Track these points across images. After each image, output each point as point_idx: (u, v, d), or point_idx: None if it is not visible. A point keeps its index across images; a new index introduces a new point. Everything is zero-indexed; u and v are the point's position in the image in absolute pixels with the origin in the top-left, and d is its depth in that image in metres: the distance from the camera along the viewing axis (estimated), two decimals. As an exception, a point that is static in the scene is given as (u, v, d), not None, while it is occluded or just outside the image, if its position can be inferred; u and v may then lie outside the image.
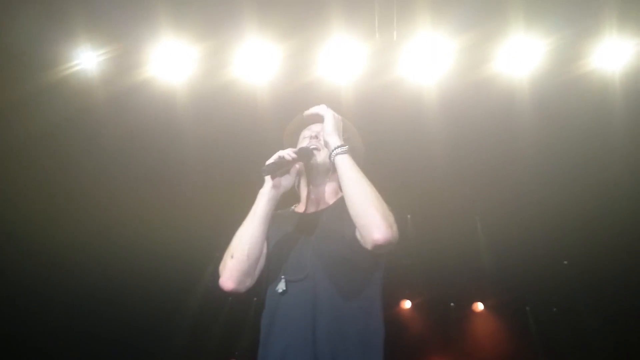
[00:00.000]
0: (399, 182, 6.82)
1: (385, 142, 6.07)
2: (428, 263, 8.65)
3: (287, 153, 2.39)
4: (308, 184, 2.59)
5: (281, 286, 2.30)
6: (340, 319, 2.20)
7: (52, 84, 5.47)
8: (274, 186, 2.40)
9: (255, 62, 5.28)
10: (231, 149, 6.49)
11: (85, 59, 5.31)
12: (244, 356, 9.68)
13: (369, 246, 2.18)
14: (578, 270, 8.86)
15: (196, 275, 8.72)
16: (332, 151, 2.38)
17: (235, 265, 2.33)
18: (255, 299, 9.52)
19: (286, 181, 2.45)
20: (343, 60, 5.20)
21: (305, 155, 2.49)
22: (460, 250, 8.47)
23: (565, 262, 9.00)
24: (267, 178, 2.41)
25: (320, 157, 2.52)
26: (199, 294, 8.89)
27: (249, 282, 2.37)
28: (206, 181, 6.99)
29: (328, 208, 2.52)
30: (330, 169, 2.49)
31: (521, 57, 5.17)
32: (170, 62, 5.28)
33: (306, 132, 2.63)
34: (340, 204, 2.40)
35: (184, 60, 5.28)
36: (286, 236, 2.47)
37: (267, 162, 2.36)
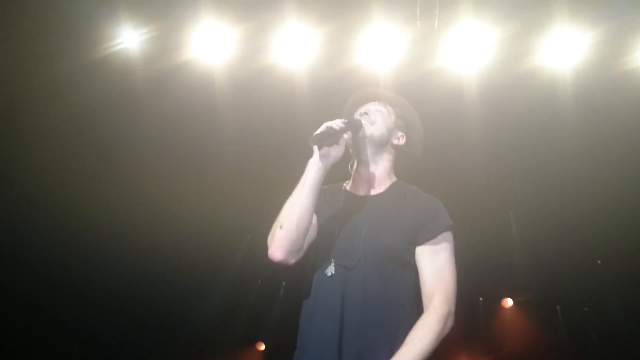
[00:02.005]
0: (433, 173, 6.76)
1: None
2: (458, 256, 8.57)
3: (335, 123, 2.36)
4: (358, 162, 2.55)
5: (330, 269, 2.29)
6: (382, 313, 2.21)
7: (94, 62, 5.55)
8: (323, 156, 2.35)
9: (295, 46, 5.27)
10: (268, 134, 6.51)
11: (128, 38, 5.37)
12: (271, 339, 9.76)
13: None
14: (611, 271, 8.70)
15: (227, 258, 8.79)
16: None
17: (284, 235, 2.29)
18: (284, 282, 9.59)
19: (335, 151, 2.38)
20: (383, 47, 5.16)
21: (354, 126, 2.45)
22: (491, 245, 8.38)
23: (599, 262, 8.84)
24: (315, 148, 2.37)
25: (369, 130, 2.49)
26: (228, 277, 8.97)
27: (298, 254, 2.34)
28: (242, 165, 7.03)
29: (382, 194, 2.49)
30: (381, 145, 2.53)
31: (565, 49, 5.06)
32: (210, 44, 5.31)
33: (361, 109, 2.60)
34: (395, 192, 2.47)
35: (224, 42, 5.31)
36: (336, 215, 2.43)
37: (315, 133, 2.34)
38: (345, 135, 2.39)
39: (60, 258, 7.35)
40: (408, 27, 5.05)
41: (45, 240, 7.18)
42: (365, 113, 2.55)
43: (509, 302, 10.18)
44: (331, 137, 2.36)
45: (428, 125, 6.17)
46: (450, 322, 2.22)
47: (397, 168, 2.62)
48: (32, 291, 7.41)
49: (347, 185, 2.58)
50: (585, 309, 9.70)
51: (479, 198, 7.43)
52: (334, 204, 2.48)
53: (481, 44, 5.09)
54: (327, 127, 2.34)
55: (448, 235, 2.37)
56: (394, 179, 2.58)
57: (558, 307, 9.95)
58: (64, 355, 7.88)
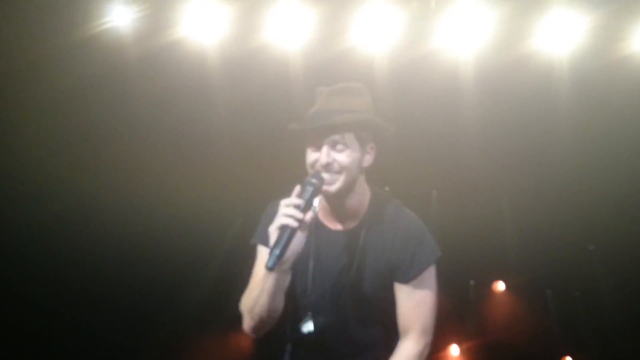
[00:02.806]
0: (427, 156, 6.74)
1: (416, 115, 5.97)
2: (450, 240, 8.55)
3: (291, 217, 1.92)
4: (325, 198, 2.18)
5: (308, 327, 2.17)
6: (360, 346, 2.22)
7: (84, 40, 5.45)
8: (284, 262, 1.97)
9: (289, 26, 5.19)
10: (261, 114, 6.43)
11: (119, 16, 5.27)
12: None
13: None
14: (603, 256, 8.73)
15: (217, 241, 8.74)
16: None
17: (256, 325, 2.13)
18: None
19: (297, 245, 1.97)
20: (377, 26, 5.08)
21: (314, 196, 2.03)
22: (484, 228, 8.38)
23: (591, 248, 8.86)
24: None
25: (336, 186, 2.08)
26: (218, 261, 8.93)
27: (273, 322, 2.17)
28: (234, 147, 6.96)
29: (356, 229, 2.18)
30: (353, 184, 2.14)
31: (563, 33, 5.00)
32: (203, 22, 5.22)
33: (318, 159, 2.08)
34: (370, 224, 2.17)
35: (217, 20, 5.22)
36: (308, 254, 2.14)
37: (271, 247, 1.93)
38: (307, 217, 1.97)
39: (45, 242, 7.28)
40: (404, 7, 4.97)
41: (30, 223, 7.11)
42: (326, 164, 2.07)
43: (500, 286, 10.20)
44: (289, 237, 1.94)
45: (423, 108, 6.13)
46: (427, 352, 2.15)
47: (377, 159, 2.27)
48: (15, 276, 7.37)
49: (317, 210, 2.15)
50: (576, 293, 9.75)
51: (473, 182, 7.41)
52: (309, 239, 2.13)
53: (478, 26, 5.02)
54: (282, 228, 1.93)
55: (429, 270, 2.16)
56: (368, 195, 2.24)
57: (549, 291, 9.98)
58: (49, 340, 7.86)
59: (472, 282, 10.19)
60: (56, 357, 7.76)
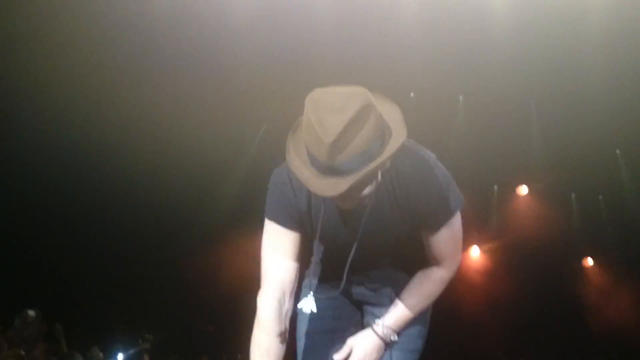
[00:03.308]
0: (455, 61, 6.61)
1: (444, 20, 5.80)
2: (476, 144, 8.54)
3: None
4: None
5: (309, 305, 2.13)
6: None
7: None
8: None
9: None
10: (283, 22, 6.30)
11: None
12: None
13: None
14: (629, 160, 8.67)
15: (244, 147, 8.82)
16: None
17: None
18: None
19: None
20: None
21: None
22: (510, 133, 8.32)
23: (618, 152, 8.78)
24: None
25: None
26: (244, 167, 9.05)
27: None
28: (258, 55, 6.87)
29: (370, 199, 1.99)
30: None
31: None
32: None
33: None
34: (385, 191, 1.99)
35: None
36: (322, 226, 2.05)
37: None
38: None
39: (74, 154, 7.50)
40: None
41: (54, 134, 7.30)
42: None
43: (524, 190, 10.20)
44: None
45: (451, 13, 5.95)
46: (449, 276, 2.20)
47: None
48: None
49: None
50: (600, 197, 9.75)
51: (500, 87, 7.30)
52: (316, 206, 2.05)
53: None
54: None
55: (455, 216, 2.08)
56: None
57: (573, 194, 9.98)
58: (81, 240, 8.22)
59: (495, 187, 10.23)
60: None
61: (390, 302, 2.22)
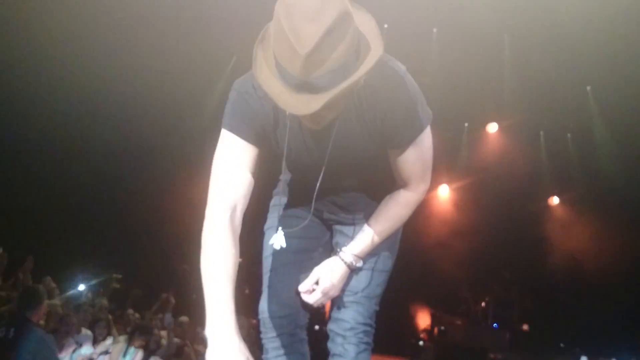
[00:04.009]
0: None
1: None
2: (448, 80, 8.45)
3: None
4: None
5: (279, 241, 2.07)
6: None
7: None
8: None
9: None
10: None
11: None
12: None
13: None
14: (599, 98, 8.68)
15: (213, 79, 8.67)
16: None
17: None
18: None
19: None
20: None
21: None
22: (482, 69, 8.24)
23: (588, 89, 8.77)
24: None
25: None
26: (216, 99, 8.92)
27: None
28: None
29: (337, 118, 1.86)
30: None
31: None
32: None
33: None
34: (353, 108, 1.86)
35: None
36: (289, 146, 1.93)
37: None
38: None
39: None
40: None
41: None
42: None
43: (493, 127, 10.21)
44: None
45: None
46: (424, 197, 2.11)
47: None
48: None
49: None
50: (569, 135, 9.81)
51: (474, 21, 7.16)
52: (281, 120, 1.91)
53: None
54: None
55: (425, 131, 1.94)
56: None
57: (541, 132, 10.03)
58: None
59: (466, 124, 10.21)
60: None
61: (360, 221, 2.15)
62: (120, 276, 8.70)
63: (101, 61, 7.53)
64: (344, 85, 1.59)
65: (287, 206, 2.23)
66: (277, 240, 2.07)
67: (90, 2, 6.99)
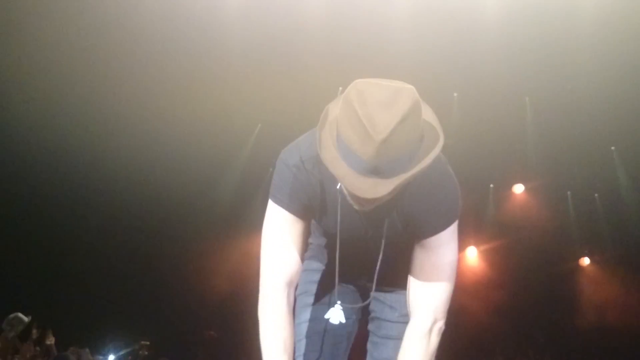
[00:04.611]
0: (450, 58, 6.57)
1: (440, 16, 5.76)
2: (471, 143, 8.50)
3: None
4: None
5: (337, 316, 2.03)
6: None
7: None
8: None
9: None
10: (275, 20, 6.26)
11: None
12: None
13: None
14: (625, 158, 8.65)
15: (238, 147, 8.78)
16: None
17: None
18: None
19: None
20: None
21: None
22: (505, 131, 8.29)
23: (613, 148, 8.76)
24: None
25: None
26: (239, 166, 9.00)
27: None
28: (250, 53, 6.82)
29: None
30: None
31: None
32: None
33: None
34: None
35: None
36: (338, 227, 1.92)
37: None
38: None
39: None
40: None
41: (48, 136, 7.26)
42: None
43: (519, 189, 10.15)
44: None
45: (446, 6, 5.90)
46: (440, 330, 1.99)
47: None
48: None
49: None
50: (596, 195, 9.73)
51: (494, 84, 7.26)
52: (331, 209, 1.94)
53: None
54: None
55: (451, 227, 1.95)
56: None
57: (569, 193, 9.95)
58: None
59: (491, 185, 10.18)
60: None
61: (398, 289, 2.12)
62: (148, 343, 8.67)
63: (127, 127, 7.71)
64: (414, 171, 1.63)
65: (328, 275, 2.17)
66: (334, 315, 2.03)
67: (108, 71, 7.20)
